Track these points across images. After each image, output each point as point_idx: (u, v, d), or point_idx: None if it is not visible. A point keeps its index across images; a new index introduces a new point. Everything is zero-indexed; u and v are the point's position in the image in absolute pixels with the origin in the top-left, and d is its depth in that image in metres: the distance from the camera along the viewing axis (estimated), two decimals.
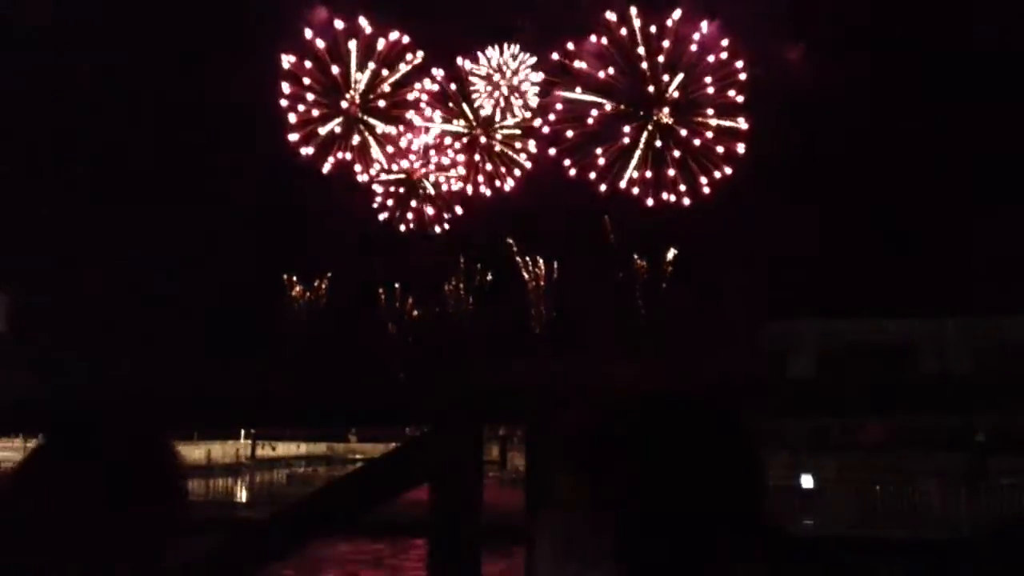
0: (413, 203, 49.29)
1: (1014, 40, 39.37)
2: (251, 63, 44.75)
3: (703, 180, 47.25)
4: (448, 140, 49.86)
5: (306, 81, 48.70)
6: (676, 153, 47.37)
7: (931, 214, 40.88)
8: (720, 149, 47.08)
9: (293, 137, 48.61)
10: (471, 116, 49.36)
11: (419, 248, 47.91)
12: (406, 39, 48.56)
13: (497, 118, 49.49)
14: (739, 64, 46.58)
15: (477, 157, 49.61)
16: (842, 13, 42.80)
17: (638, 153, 47.38)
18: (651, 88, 47.15)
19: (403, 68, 49.08)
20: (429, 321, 47.87)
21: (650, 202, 47.47)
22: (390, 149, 49.25)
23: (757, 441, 1.13)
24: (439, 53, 48.16)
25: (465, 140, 49.74)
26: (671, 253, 46.17)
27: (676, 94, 47.42)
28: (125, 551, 1.29)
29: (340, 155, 49.41)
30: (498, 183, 49.74)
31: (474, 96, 49.07)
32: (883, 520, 20.63)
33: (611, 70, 47.14)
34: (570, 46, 47.26)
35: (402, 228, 49.00)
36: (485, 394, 2.84)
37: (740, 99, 46.63)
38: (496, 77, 48.50)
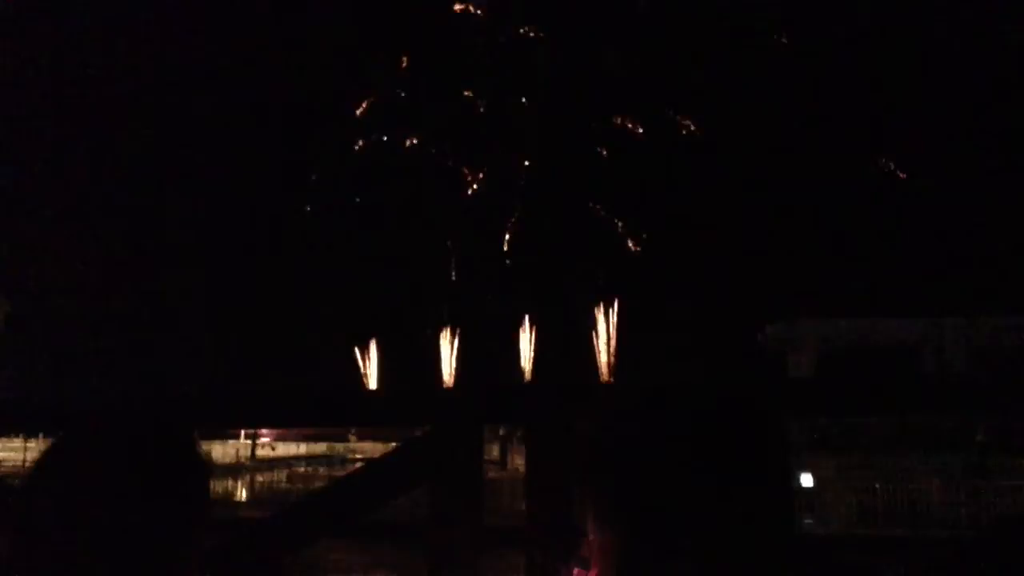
0: None
1: (1012, 37, 39.37)
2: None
3: None
4: None
5: None
6: None
7: (931, 214, 40.89)
8: None
9: None
10: None
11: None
12: None
13: None
14: None
15: None
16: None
17: None
18: None
19: None
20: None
21: None
22: None
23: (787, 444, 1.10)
24: None
25: None
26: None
27: None
28: (150, 550, 1.29)
29: None
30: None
31: None
32: (883, 520, 20.64)
33: None
34: None
35: None
36: (485, 394, 2.84)
37: None
38: None
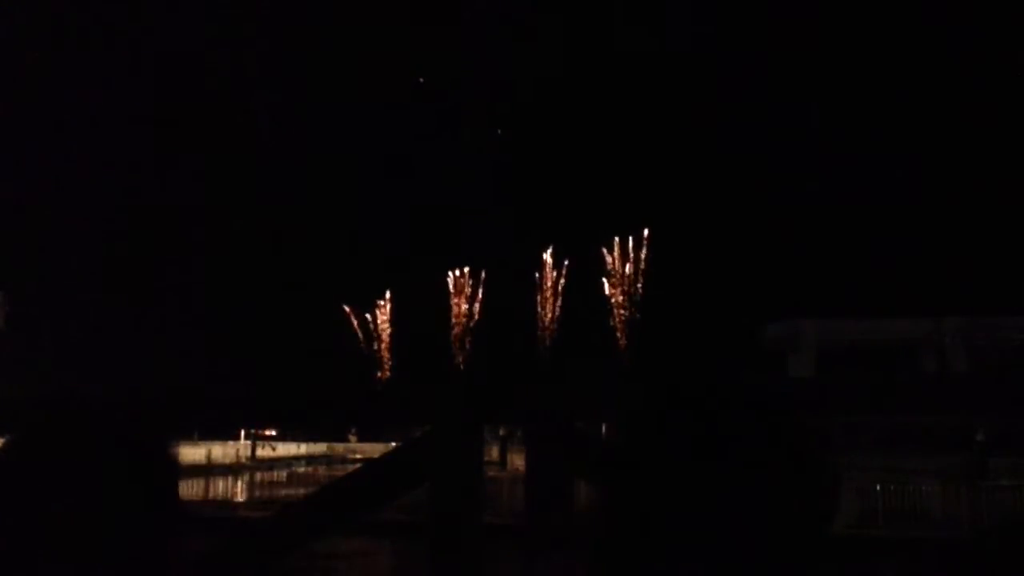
0: None
1: (1011, 39, 39.36)
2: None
3: None
4: None
5: None
6: None
7: (931, 214, 40.88)
8: None
9: None
10: None
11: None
12: None
13: None
14: None
15: None
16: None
17: None
18: None
19: None
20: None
21: None
22: None
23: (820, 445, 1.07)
24: None
25: None
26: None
27: None
28: (112, 554, 1.26)
29: None
30: None
31: None
32: (883, 520, 20.61)
33: None
34: None
35: None
36: (485, 394, 2.84)
37: None
38: None
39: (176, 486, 1.38)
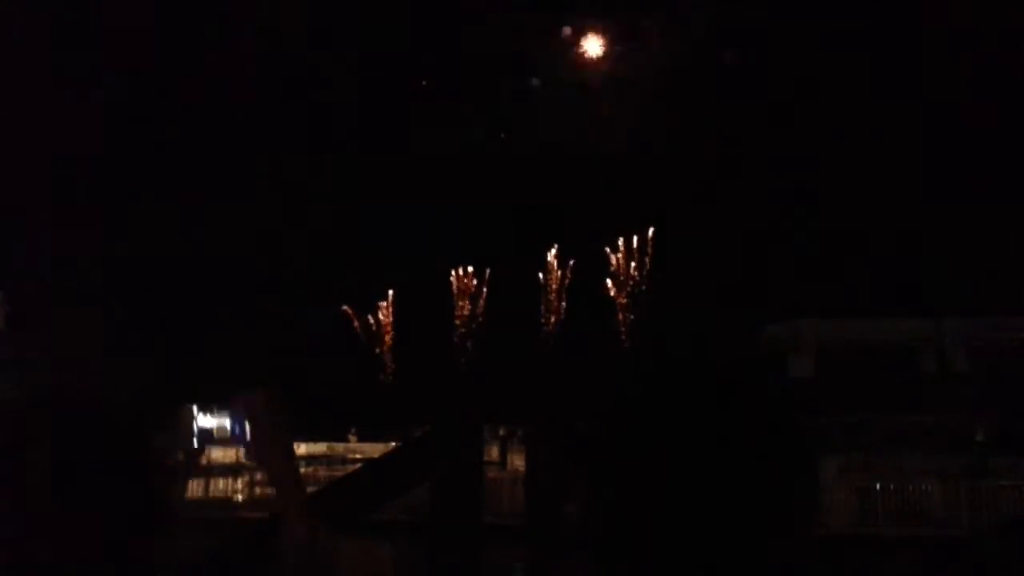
0: None
1: (1008, 38, 39.41)
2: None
3: None
4: None
5: None
6: None
7: (930, 214, 40.88)
8: None
9: None
10: None
11: None
12: None
13: None
14: None
15: None
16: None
17: None
18: None
19: None
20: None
21: None
22: None
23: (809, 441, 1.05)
24: None
25: None
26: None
27: None
28: (101, 553, 1.25)
29: None
30: None
31: None
32: (883, 520, 20.63)
33: None
34: None
35: None
36: (485, 394, 2.84)
37: None
38: None
39: (165, 485, 1.37)
